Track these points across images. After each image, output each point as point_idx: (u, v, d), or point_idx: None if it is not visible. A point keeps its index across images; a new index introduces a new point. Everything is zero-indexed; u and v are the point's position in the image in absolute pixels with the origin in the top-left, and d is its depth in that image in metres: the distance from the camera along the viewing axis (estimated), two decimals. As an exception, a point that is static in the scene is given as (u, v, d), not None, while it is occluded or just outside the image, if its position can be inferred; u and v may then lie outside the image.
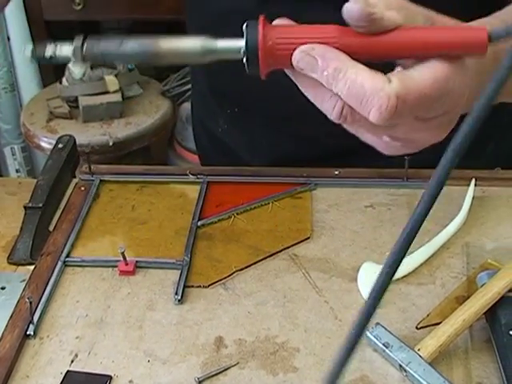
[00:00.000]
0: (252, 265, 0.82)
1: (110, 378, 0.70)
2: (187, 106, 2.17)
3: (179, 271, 0.81)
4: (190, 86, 2.14)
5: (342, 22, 0.49)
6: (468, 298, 0.73)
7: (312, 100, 0.52)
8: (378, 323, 0.72)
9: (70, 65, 1.96)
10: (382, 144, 0.55)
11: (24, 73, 2.16)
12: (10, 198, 0.96)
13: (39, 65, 2.18)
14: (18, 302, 0.78)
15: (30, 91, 2.16)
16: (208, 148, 1.17)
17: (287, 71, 0.52)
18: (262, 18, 0.50)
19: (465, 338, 0.72)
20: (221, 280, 0.80)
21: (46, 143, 1.94)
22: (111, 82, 1.95)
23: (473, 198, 0.87)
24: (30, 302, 0.74)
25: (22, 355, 0.73)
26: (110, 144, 1.88)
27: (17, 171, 2.23)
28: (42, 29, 2.13)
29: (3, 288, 0.81)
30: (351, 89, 0.47)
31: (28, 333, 0.74)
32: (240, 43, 0.50)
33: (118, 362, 0.72)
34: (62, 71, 1.99)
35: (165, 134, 2.11)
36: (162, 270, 0.82)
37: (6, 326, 0.75)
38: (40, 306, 0.77)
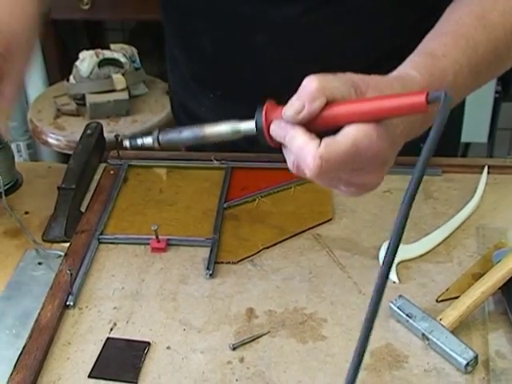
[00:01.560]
0: (277, 243, 0.87)
1: (148, 344, 0.74)
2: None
3: (209, 248, 0.85)
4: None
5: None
6: (483, 274, 0.78)
7: (284, 155, 0.67)
8: (400, 295, 0.76)
9: (77, 63, 2.00)
10: (342, 191, 0.67)
11: (31, 71, 2.19)
12: (41, 181, 0.99)
13: (45, 63, 2.21)
14: (57, 274, 0.82)
15: (36, 89, 2.19)
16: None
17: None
18: (267, 103, 0.66)
19: (482, 310, 0.76)
20: (249, 257, 0.85)
21: (54, 139, 1.98)
22: (118, 80, 1.99)
23: (486, 184, 0.92)
24: (71, 274, 0.78)
25: (63, 324, 0.77)
26: (119, 140, 1.92)
27: (22, 168, 2.26)
28: (49, 27, 2.16)
29: (40, 263, 0.85)
30: (297, 150, 0.62)
31: (68, 303, 0.78)
32: (253, 125, 0.67)
33: (155, 330, 0.76)
34: (68, 70, 2.03)
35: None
36: (192, 247, 0.86)
37: (47, 296, 0.79)
38: (78, 279, 0.81)
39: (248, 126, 0.67)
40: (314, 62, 0.77)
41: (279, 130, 0.64)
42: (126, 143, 0.76)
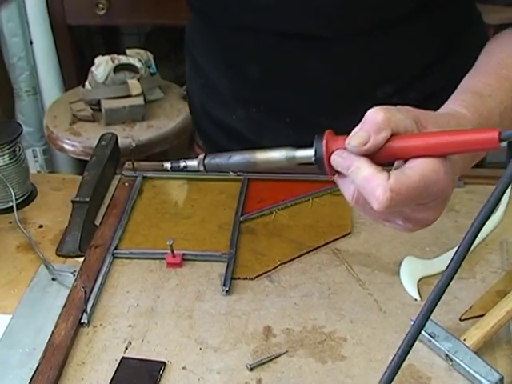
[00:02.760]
0: (295, 258, 0.85)
1: (164, 364, 0.72)
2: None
3: (225, 264, 0.83)
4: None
5: None
6: (508, 292, 0.75)
7: (342, 191, 0.66)
8: (423, 314, 0.74)
9: (93, 68, 1.99)
10: (397, 226, 0.66)
11: (46, 76, 2.19)
12: (55, 193, 0.98)
13: (61, 69, 2.21)
14: (71, 291, 0.80)
15: (52, 95, 2.19)
16: (213, 133, 1.17)
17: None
18: (327, 132, 0.64)
19: (507, 329, 0.74)
20: (266, 272, 0.83)
21: (69, 145, 1.97)
22: (134, 85, 1.98)
23: (510, 197, 0.89)
24: (85, 291, 0.76)
25: (77, 343, 0.75)
26: (133, 146, 1.91)
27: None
28: (65, 33, 2.16)
29: (54, 279, 0.84)
30: (362, 182, 0.60)
31: (82, 321, 0.77)
32: (311, 153, 0.64)
33: (171, 350, 0.74)
34: (84, 75, 2.02)
35: (185, 138, 2.14)
36: (208, 262, 0.85)
37: (60, 314, 0.77)
38: (92, 295, 0.80)
39: (305, 153, 0.65)
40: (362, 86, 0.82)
41: (342, 160, 0.62)
42: (167, 166, 0.74)
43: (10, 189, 0.92)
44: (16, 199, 0.93)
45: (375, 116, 0.61)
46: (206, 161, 0.70)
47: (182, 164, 0.72)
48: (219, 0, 0.94)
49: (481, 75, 0.75)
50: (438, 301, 0.57)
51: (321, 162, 0.64)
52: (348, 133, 0.62)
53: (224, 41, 1.02)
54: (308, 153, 0.65)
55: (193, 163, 0.71)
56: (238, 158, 0.69)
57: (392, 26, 0.91)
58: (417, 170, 0.59)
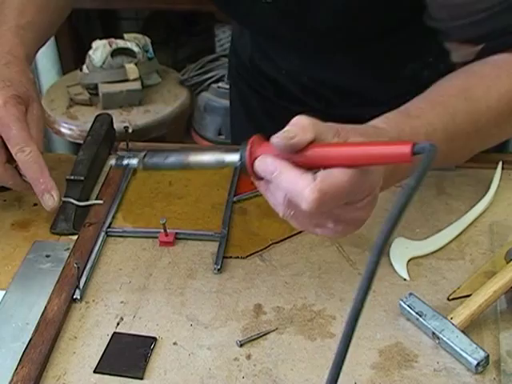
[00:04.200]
0: (287, 238, 0.86)
1: (155, 339, 0.73)
2: (205, 95, 2.20)
3: (217, 243, 0.84)
4: (208, 75, 2.18)
5: None
6: (496, 273, 0.76)
7: (267, 199, 0.67)
8: (411, 293, 0.75)
9: (90, 52, 2.00)
10: (328, 230, 0.66)
11: (44, 60, 2.20)
12: (51, 172, 0.98)
13: (59, 53, 2.21)
14: (64, 268, 0.81)
15: (49, 78, 2.19)
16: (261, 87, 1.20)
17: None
18: (253, 138, 0.65)
19: (494, 309, 0.75)
20: (257, 252, 0.84)
21: (66, 129, 1.98)
22: (131, 70, 1.98)
23: (500, 179, 0.90)
24: (78, 267, 0.77)
25: (70, 318, 0.76)
26: (130, 131, 1.91)
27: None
28: (63, 17, 2.15)
29: (48, 256, 0.84)
30: (290, 184, 0.61)
31: (75, 297, 0.78)
32: (236, 158, 0.66)
33: (162, 326, 0.75)
34: (82, 59, 2.02)
35: (182, 123, 2.14)
36: (201, 241, 0.85)
37: (53, 289, 0.78)
38: (85, 272, 0.81)
39: (232, 158, 0.66)
40: None
41: (265, 165, 0.63)
42: (112, 163, 0.75)
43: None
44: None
45: (301, 119, 0.62)
46: (144, 159, 0.71)
47: (125, 162, 0.72)
48: None
49: (416, 100, 0.75)
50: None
51: (245, 167, 0.65)
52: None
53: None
54: (235, 157, 0.66)
55: (133, 162, 0.72)
56: (172, 159, 0.70)
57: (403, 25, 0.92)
58: (343, 170, 0.60)
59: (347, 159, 0.60)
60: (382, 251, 0.57)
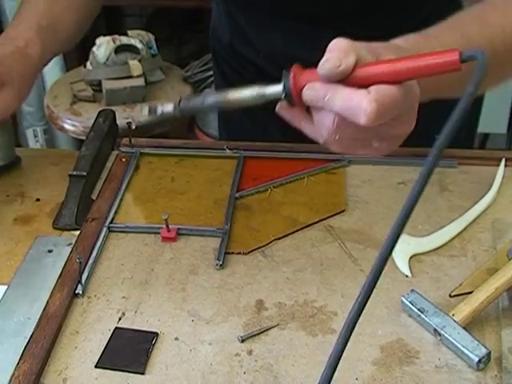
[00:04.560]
0: (289, 234, 0.86)
1: (156, 334, 0.73)
2: (208, 92, 2.20)
3: (219, 239, 0.84)
4: (211, 72, 2.18)
5: None
6: (498, 270, 0.76)
7: (305, 130, 0.67)
8: (413, 289, 0.75)
9: (94, 49, 2.00)
10: (372, 149, 0.67)
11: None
12: (53, 168, 0.99)
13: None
14: (66, 263, 0.81)
15: (53, 75, 2.19)
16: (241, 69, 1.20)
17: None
18: (294, 66, 0.64)
19: (496, 306, 0.75)
20: (259, 248, 0.84)
21: (70, 125, 1.97)
22: (135, 66, 1.98)
23: (503, 177, 0.90)
24: (80, 262, 0.77)
25: (71, 313, 0.76)
26: (133, 127, 1.91)
27: (38, 153, 2.27)
28: (67, 13, 2.15)
29: (50, 251, 0.85)
30: (345, 101, 0.61)
31: (76, 292, 0.78)
32: (280, 88, 0.65)
33: (164, 321, 0.75)
34: (85, 56, 2.02)
35: (185, 120, 2.14)
36: (203, 237, 0.85)
37: (55, 284, 0.78)
38: (87, 267, 0.81)
39: (274, 89, 0.65)
40: None
41: (315, 92, 0.63)
42: (145, 111, 0.74)
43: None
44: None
45: (339, 42, 0.62)
46: (181, 105, 0.71)
47: (159, 109, 0.72)
48: None
49: (433, 26, 0.75)
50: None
51: (290, 97, 0.64)
52: (316, 66, 0.63)
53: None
54: (277, 88, 0.65)
55: (169, 108, 0.71)
56: (211, 99, 0.69)
57: None
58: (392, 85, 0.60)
59: (396, 74, 0.60)
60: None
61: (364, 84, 0.61)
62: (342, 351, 0.56)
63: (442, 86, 0.68)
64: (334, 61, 0.61)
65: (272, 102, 0.67)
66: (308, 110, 0.67)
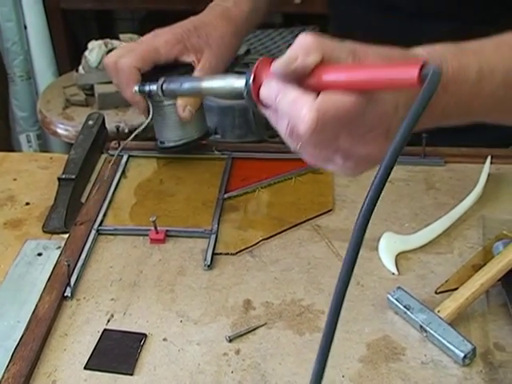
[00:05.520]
0: (277, 234, 0.86)
1: (145, 336, 0.74)
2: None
3: (207, 240, 0.85)
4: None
5: None
6: (484, 266, 0.77)
7: (274, 126, 0.60)
8: (399, 287, 0.76)
9: (86, 53, 2.00)
10: (339, 166, 0.60)
11: (40, 61, 2.20)
12: (42, 171, 1.00)
13: (55, 53, 2.22)
14: (55, 266, 0.82)
15: (45, 79, 2.20)
16: None
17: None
18: (257, 62, 0.59)
19: (482, 302, 0.75)
20: (247, 248, 0.84)
21: (63, 130, 1.97)
22: (127, 70, 1.98)
23: (488, 174, 0.91)
24: (68, 265, 0.78)
25: (60, 315, 0.77)
26: (126, 131, 1.92)
27: (32, 158, 2.27)
28: (59, 18, 2.16)
29: (40, 254, 0.85)
30: (290, 105, 0.55)
31: (65, 294, 0.78)
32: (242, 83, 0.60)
33: (152, 322, 0.75)
34: (77, 60, 2.03)
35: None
36: (191, 238, 0.86)
37: (45, 287, 0.79)
38: (76, 270, 0.81)
39: (241, 83, 0.60)
40: None
41: (269, 90, 0.57)
42: (136, 88, 0.86)
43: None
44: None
45: (305, 38, 0.56)
46: (163, 86, 0.78)
47: (147, 88, 0.83)
48: None
49: (484, 39, 0.64)
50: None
51: (250, 95, 0.58)
52: None
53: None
54: (241, 83, 0.60)
55: (154, 87, 0.81)
56: (187, 85, 0.74)
57: None
58: (349, 93, 0.53)
59: (350, 83, 0.53)
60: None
61: (321, 88, 0.54)
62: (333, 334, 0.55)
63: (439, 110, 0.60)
64: (288, 57, 0.55)
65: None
66: None
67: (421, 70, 0.48)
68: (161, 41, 0.93)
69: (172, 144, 0.96)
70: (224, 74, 0.73)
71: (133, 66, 0.89)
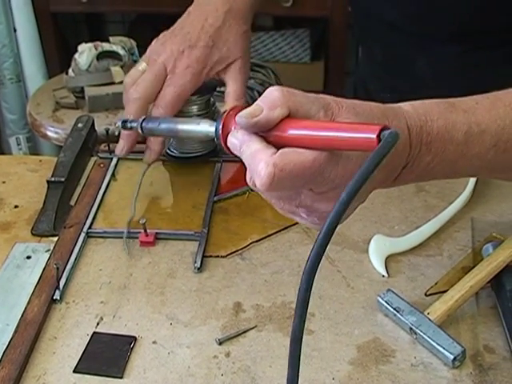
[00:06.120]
0: (267, 237, 0.86)
1: (134, 338, 0.74)
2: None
3: (197, 242, 0.84)
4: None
5: None
6: (473, 268, 0.77)
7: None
8: (389, 289, 0.76)
9: (76, 56, 2.00)
10: (305, 220, 0.60)
11: (30, 64, 2.19)
12: (32, 174, 0.99)
13: (45, 56, 2.21)
14: (44, 269, 0.81)
15: (35, 82, 2.18)
16: None
17: None
18: (227, 110, 0.59)
19: (472, 304, 0.75)
20: (238, 251, 0.84)
21: (53, 132, 1.96)
22: (117, 73, 1.97)
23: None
24: (57, 268, 0.77)
25: (50, 318, 0.77)
26: (116, 134, 1.92)
27: (22, 161, 2.26)
28: (49, 20, 2.16)
29: (29, 257, 0.85)
30: (249, 158, 0.55)
31: (55, 297, 0.78)
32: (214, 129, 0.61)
33: (142, 325, 0.75)
34: (67, 62, 2.02)
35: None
36: (181, 241, 0.86)
37: (34, 291, 0.78)
38: (65, 273, 0.81)
39: (212, 129, 0.62)
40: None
41: (235, 140, 0.57)
42: (119, 123, 0.84)
43: None
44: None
45: (273, 92, 0.55)
46: (142, 124, 0.78)
47: (129, 125, 0.81)
48: None
49: (478, 95, 0.62)
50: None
51: (219, 139, 0.59)
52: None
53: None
54: (211, 129, 0.62)
55: (134, 124, 0.80)
56: (164, 126, 0.75)
57: None
58: (310, 150, 0.53)
59: (312, 139, 0.53)
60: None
61: (287, 144, 0.54)
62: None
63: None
64: (252, 111, 0.54)
65: None
66: None
67: (380, 132, 0.49)
68: (187, 77, 0.90)
69: (181, 155, 0.98)
70: (199, 119, 0.73)
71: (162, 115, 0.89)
